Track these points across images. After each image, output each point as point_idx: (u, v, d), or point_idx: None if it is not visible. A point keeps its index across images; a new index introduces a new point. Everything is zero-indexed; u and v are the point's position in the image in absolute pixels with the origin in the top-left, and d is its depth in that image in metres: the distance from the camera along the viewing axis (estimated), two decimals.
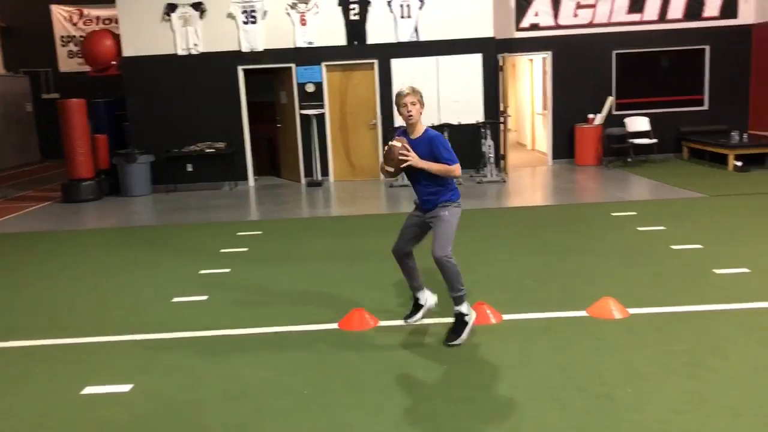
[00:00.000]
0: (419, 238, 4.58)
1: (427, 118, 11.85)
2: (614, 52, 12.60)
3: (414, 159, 4.24)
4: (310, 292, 5.57)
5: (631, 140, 12.27)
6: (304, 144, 12.15)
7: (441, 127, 11.51)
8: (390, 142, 4.37)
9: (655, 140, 12.25)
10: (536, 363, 3.96)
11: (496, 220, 8.20)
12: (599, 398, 3.48)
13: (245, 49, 11.86)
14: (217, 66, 11.89)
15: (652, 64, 12.72)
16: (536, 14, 12.51)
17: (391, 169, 4.33)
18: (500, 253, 6.54)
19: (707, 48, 12.56)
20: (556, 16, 12.51)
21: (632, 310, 4.70)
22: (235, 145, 12.04)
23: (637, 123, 12.52)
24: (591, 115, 12.48)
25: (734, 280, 5.33)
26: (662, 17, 12.48)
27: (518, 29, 12.55)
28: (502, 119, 12.00)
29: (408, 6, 11.80)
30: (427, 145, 4.32)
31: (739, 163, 10.87)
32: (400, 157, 4.24)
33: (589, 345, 4.19)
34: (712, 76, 12.64)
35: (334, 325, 4.75)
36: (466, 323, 4.33)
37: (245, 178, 12.26)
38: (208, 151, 11.72)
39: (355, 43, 11.91)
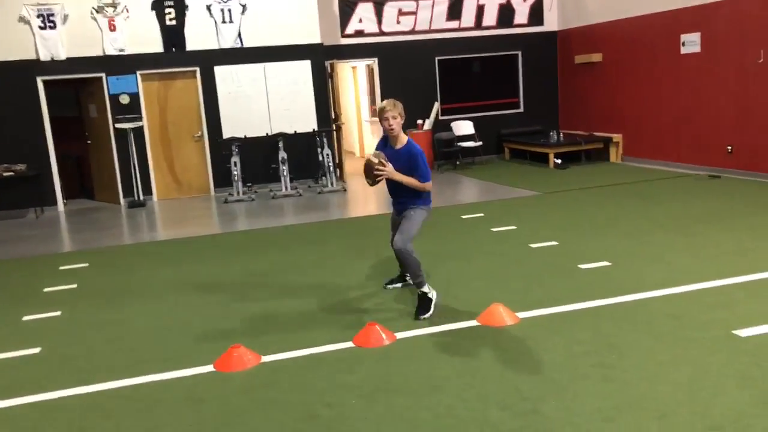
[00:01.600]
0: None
1: (259, 128, 11.30)
2: (437, 58, 12.90)
3: (389, 172, 4.67)
4: (171, 330, 4.85)
5: (459, 144, 12.62)
6: (121, 161, 11.00)
7: (275, 137, 11.00)
8: (367, 156, 4.79)
9: (480, 143, 12.71)
10: (445, 386, 3.66)
11: (352, 230, 7.89)
12: (527, 416, 3.26)
13: (44, 57, 10.46)
14: (11, 77, 10.37)
15: (472, 69, 13.21)
16: (360, 21, 12.43)
17: (369, 181, 4.78)
18: (368, 267, 6.22)
19: (519, 53, 13.29)
20: (379, 22, 12.52)
21: (521, 314, 4.61)
22: (38, 166, 10.56)
23: (463, 127, 12.92)
24: (420, 121, 12.64)
25: (600, 274, 5.47)
26: (478, 24, 12.99)
27: (344, 35, 12.38)
28: (338, 127, 11.75)
29: (230, 11, 11.13)
30: (406, 157, 4.72)
31: (558, 161, 11.57)
32: (376, 172, 4.64)
33: (492, 357, 3.99)
34: (525, 80, 13.39)
35: (210, 368, 4.12)
36: (431, 300, 4.80)
37: (53, 202, 10.83)
38: (5, 174, 10.16)
39: (174, 49, 11.01)
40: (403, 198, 4.86)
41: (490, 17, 13.02)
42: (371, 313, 4.89)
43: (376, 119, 14.34)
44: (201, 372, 4.07)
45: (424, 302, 4.78)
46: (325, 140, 11.15)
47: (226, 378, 3.96)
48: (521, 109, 13.48)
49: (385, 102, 4.72)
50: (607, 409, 3.27)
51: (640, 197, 8.54)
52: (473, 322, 4.55)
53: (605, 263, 5.72)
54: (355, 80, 15.32)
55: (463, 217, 8.07)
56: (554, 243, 6.52)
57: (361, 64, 14.41)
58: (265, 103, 11.45)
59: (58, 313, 5.39)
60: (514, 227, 7.31)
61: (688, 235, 6.48)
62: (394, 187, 4.85)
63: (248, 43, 11.28)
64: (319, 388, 3.73)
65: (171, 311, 5.29)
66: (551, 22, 13.34)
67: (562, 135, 12.23)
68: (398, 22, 12.62)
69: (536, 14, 13.26)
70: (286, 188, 10.72)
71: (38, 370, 4.28)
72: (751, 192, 8.34)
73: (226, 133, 11.29)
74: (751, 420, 3.08)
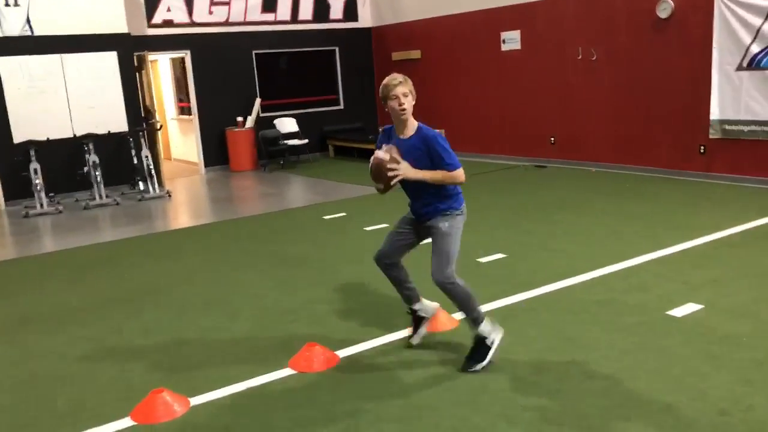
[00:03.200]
0: (411, 246, 3.86)
1: (58, 130, 9.79)
2: (254, 52, 12.20)
3: (405, 170, 3.51)
4: (61, 381, 3.81)
5: (284, 142, 12.06)
6: None
7: (82, 139, 9.59)
8: (375, 154, 3.57)
9: (306, 140, 12.28)
10: (436, 403, 3.26)
11: (204, 240, 7.03)
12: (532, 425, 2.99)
13: None
14: None
15: (292, 64, 12.72)
16: (168, 9, 11.31)
17: (381, 186, 3.59)
18: (252, 278, 5.53)
19: (337, 49, 13.07)
20: (190, 12, 11.50)
21: (457, 316, 4.33)
22: None
23: (287, 124, 12.38)
24: (240, 118, 11.87)
25: (503, 266, 5.40)
26: (294, 18, 12.52)
27: (150, 25, 11.18)
28: (157, 125, 10.57)
29: None
30: (421, 146, 3.58)
31: None
32: (390, 173, 3.49)
33: (433, 374, 3.63)
34: (344, 77, 13.21)
35: (128, 421, 3.27)
36: (489, 347, 3.61)
37: None
38: None
39: None
40: (428, 201, 3.64)
41: (306, 11, 12.62)
42: (297, 332, 4.29)
43: (185, 117, 13.38)
44: (119, 428, 3.21)
45: (480, 348, 3.61)
46: (142, 141, 9.96)
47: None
48: (341, 106, 13.27)
49: (391, 77, 3.62)
50: (615, 408, 3.11)
51: (484, 189, 8.75)
52: (403, 333, 4.17)
53: (500, 255, 5.67)
54: (156, 74, 13.99)
55: (325, 217, 7.62)
56: None
57: (164, 57, 13.18)
58: (65, 100, 9.92)
59: None
60: (386, 225, 7.04)
61: (554, 223, 6.69)
62: (414, 188, 3.64)
63: (39, 31, 9.67)
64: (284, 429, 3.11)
65: (29, 357, 4.20)
66: (365, 19, 13.30)
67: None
68: (210, 12, 11.71)
69: (351, 10, 13.13)
70: (101, 196, 9.37)
71: None
72: (581, 178, 8.95)
73: (18, 137, 9.59)
74: (748, 399, 3.10)
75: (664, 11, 8.20)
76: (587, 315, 4.25)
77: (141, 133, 10.05)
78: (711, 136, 7.99)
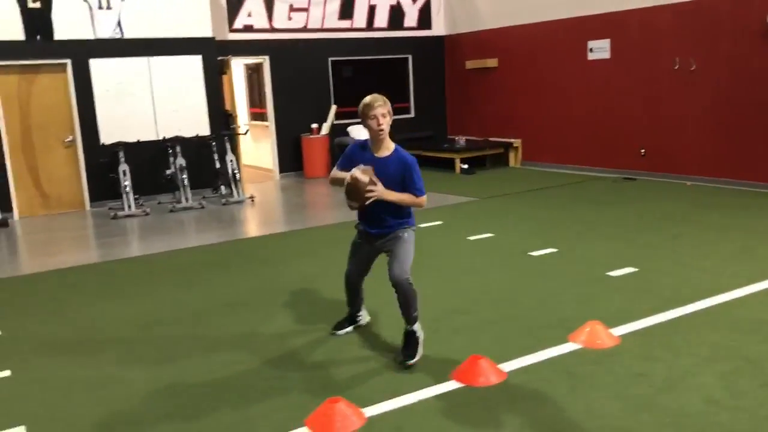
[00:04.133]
0: (365, 268, 4.20)
1: (142, 132, 9.83)
2: (330, 59, 12.16)
3: (380, 192, 3.70)
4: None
5: None
6: None
7: (169, 142, 9.61)
8: (353, 173, 3.68)
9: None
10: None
11: (308, 243, 6.91)
12: None
13: None
14: None
15: (366, 72, 12.64)
16: (249, 15, 11.32)
17: (356, 205, 3.74)
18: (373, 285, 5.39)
19: (410, 57, 12.97)
20: (270, 18, 11.50)
21: (616, 331, 4.13)
22: None
23: (360, 132, 12.28)
24: (315, 125, 11.81)
25: (634, 280, 5.18)
26: (370, 25, 12.46)
27: (231, 30, 11.20)
28: (243, 131, 10.56)
29: None
30: (397, 168, 3.80)
31: (465, 166, 11.38)
32: (367, 195, 3.65)
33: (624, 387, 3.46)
34: (416, 84, 13.10)
35: None
36: (418, 338, 3.95)
37: None
38: None
39: (38, 38, 9.17)
40: (387, 220, 3.87)
41: (381, 18, 12.55)
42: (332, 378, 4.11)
43: (258, 123, 13.36)
44: None
45: (413, 342, 3.90)
46: (227, 145, 9.93)
47: None
48: (412, 114, 13.16)
49: (372, 96, 3.79)
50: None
51: (576, 200, 8.53)
52: (575, 345, 3.98)
53: (631, 269, 5.45)
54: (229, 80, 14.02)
55: (422, 225, 7.48)
56: (553, 250, 6.16)
57: (237, 63, 13.21)
58: (150, 102, 9.95)
59: None
60: (490, 234, 6.87)
61: (675, 237, 6.44)
62: (378, 208, 3.78)
63: (129, 34, 9.73)
64: None
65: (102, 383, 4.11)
66: (439, 27, 13.18)
67: (464, 140, 12.07)
68: (290, 19, 11.70)
69: (425, 18, 13.03)
70: (187, 200, 9.36)
71: None
72: (678, 191, 8.66)
73: (104, 138, 9.64)
74: None
75: None
76: (760, 335, 4.02)
77: (226, 138, 10.02)
78: None
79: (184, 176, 9.35)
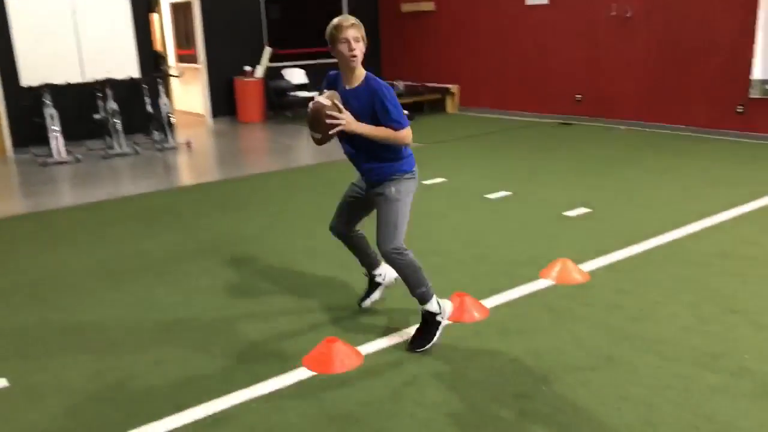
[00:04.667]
0: (364, 214, 3.63)
1: (67, 73, 9.26)
2: None
3: (348, 122, 3.18)
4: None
5: (294, 94, 11.71)
6: None
7: (98, 84, 9.10)
8: (315, 99, 3.24)
9: (316, 93, 11.91)
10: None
11: (264, 189, 6.78)
12: None
13: None
14: None
15: (298, 11, 12.28)
16: None
17: (318, 136, 3.24)
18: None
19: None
20: None
21: (585, 267, 4.31)
22: None
23: (296, 75, 12.02)
24: (248, 68, 11.44)
25: (590, 220, 5.39)
26: None
27: None
28: (176, 72, 10.10)
29: None
30: (367, 99, 3.23)
31: (405, 112, 11.32)
32: (329, 121, 3.15)
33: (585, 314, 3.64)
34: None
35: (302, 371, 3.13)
36: (438, 323, 3.37)
37: None
38: None
39: None
40: (371, 162, 3.34)
41: None
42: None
43: (187, 65, 12.77)
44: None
45: (428, 326, 3.37)
46: (161, 88, 9.49)
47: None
48: None
49: (342, 17, 3.22)
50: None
51: (519, 144, 8.71)
52: (548, 282, 4.13)
53: (585, 210, 5.65)
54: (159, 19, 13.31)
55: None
56: (508, 193, 6.31)
57: (164, 1, 12.55)
58: (75, 41, 9.35)
59: None
60: (443, 179, 6.93)
61: (623, 180, 6.69)
62: (356, 146, 3.33)
63: None
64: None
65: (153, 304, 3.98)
66: None
67: (403, 85, 12.01)
68: None
69: None
70: (120, 146, 8.94)
71: None
72: (614, 136, 8.97)
73: (25, 80, 9.02)
74: None
75: None
76: (715, 267, 4.28)
77: (159, 80, 9.56)
78: (751, 96, 8.10)
79: (117, 121, 8.91)
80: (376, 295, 3.82)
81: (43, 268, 4.75)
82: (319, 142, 3.28)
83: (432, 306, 3.35)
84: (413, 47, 12.52)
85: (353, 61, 3.20)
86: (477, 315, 3.68)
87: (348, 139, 3.32)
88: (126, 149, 8.92)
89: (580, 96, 10.04)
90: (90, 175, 7.86)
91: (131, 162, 8.57)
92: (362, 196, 3.52)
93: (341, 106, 3.19)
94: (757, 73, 7.98)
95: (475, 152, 8.34)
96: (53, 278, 4.52)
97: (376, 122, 3.22)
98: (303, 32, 12.38)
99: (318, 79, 11.80)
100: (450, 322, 3.56)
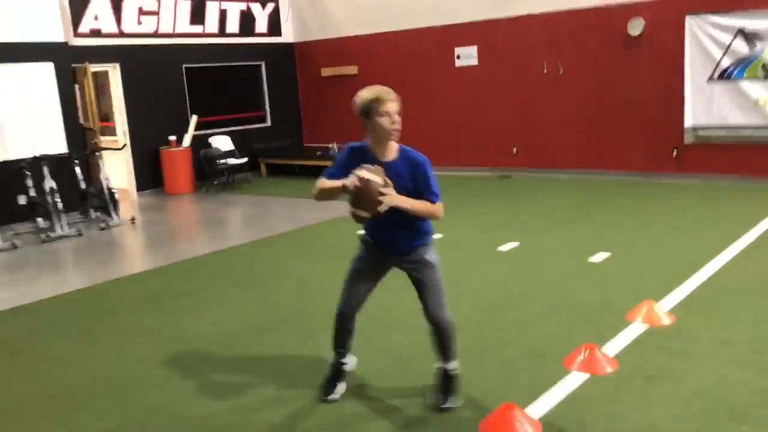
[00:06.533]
0: (373, 289, 3.41)
1: None
2: (184, 66, 11.33)
3: (393, 198, 3.05)
4: None
5: (224, 161, 11.28)
6: None
7: (33, 162, 8.28)
8: (360, 174, 3.01)
9: (245, 159, 11.60)
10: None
11: (252, 261, 6.40)
12: None
13: None
14: None
15: (220, 80, 11.99)
16: (96, 18, 10.15)
17: (367, 215, 3.03)
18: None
19: (263, 64, 12.56)
20: (119, 21, 10.42)
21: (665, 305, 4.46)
22: None
23: (222, 142, 11.62)
24: (173, 137, 10.91)
25: (618, 264, 5.62)
26: (222, 30, 11.85)
27: (77, 35, 9.94)
28: (121, 144, 9.42)
29: None
30: (408, 171, 3.18)
31: None
32: (381, 198, 2.99)
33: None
34: (270, 93, 12.71)
35: None
36: (458, 379, 3.41)
37: None
38: None
39: None
40: (404, 231, 3.23)
41: (233, 24, 12.00)
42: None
43: (109, 138, 11.85)
44: None
45: (453, 381, 3.38)
46: (101, 163, 8.80)
47: None
48: (269, 123, 12.74)
49: (379, 88, 3.19)
50: None
51: (487, 196, 8.96)
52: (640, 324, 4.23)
53: (606, 254, 5.87)
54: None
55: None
56: (517, 244, 6.42)
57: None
58: None
59: None
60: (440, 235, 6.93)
61: (605, 223, 7.05)
62: (391, 221, 3.13)
63: None
64: None
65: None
66: (289, 33, 12.94)
67: (338, 147, 11.96)
68: (140, 23, 10.70)
69: (275, 24, 12.71)
70: (62, 227, 8.11)
71: None
72: (560, 184, 9.46)
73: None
74: None
75: (635, 29, 9.03)
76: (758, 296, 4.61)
77: (98, 154, 8.86)
78: (686, 142, 8.92)
79: (57, 200, 8.10)
80: (343, 386, 3.53)
81: None
82: (364, 220, 3.08)
83: (455, 363, 3.39)
84: (338, 110, 12.56)
85: (395, 134, 3.17)
86: (609, 368, 3.67)
87: (386, 215, 3.07)
88: (68, 231, 8.10)
89: (516, 149, 10.54)
90: (33, 264, 7.05)
91: (76, 245, 7.79)
92: (377, 269, 3.36)
93: (388, 181, 3.03)
94: (688, 121, 8.82)
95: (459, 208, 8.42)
96: None
97: (411, 195, 3.13)
98: (223, 99, 12.08)
99: (238, 145, 11.61)
100: (586, 374, 3.56)
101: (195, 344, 4.43)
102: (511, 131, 10.52)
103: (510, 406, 3.14)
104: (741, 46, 8.29)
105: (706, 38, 8.53)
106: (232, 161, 11.33)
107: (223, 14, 11.81)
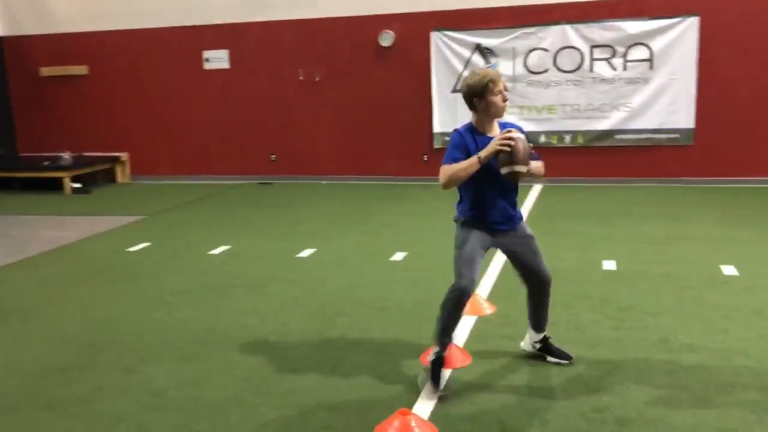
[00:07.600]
0: None
1: None
2: None
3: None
4: None
5: None
6: None
7: None
8: (509, 134, 3.25)
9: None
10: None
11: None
12: None
13: None
14: None
15: None
16: None
17: (525, 169, 3.26)
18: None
19: None
20: None
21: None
22: None
23: None
24: None
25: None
26: None
27: None
28: None
29: None
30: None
31: (77, 185, 10.06)
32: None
33: None
34: None
35: None
36: None
37: None
38: None
39: None
40: (511, 209, 3.49)
41: None
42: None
43: None
44: None
45: (553, 344, 3.76)
46: None
47: None
48: None
49: (487, 70, 3.42)
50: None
51: (262, 205, 8.67)
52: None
53: (404, 253, 6.08)
54: None
55: (129, 250, 6.56)
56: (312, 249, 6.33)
57: None
58: None
59: None
60: (228, 246, 6.53)
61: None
62: (505, 190, 3.43)
63: None
64: None
65: None
66: None
67: (70, 156, 10.52)
68: None
69: None
70: None
71: None
72: (326, 191, 9.59)
73: None
74: None
75: (385, 41, 9.54)
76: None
77: None
78: (435, 146, 9.66)
79: None
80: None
81: None
82: (524, 176, 3.27)
83: None
84: (63, 114, 11.17)
85: (503, 109, 3.42)
86: (468, 360, 3.80)
87: (501, 185, 3.38)
88: None
89: (274, 155, 10.41)
90: None
91: None
92: (486, 244, 3.50)
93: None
94: (437, 127, 9.58)
95: (220, 216, 7.99)
96: None
97: None
98: None
99: None
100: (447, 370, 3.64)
101: None
102: (269, 138, 10.38)
103: (405, 412, 3.07)
104: (479, 60, 9.27)
105: (449, 52, 9.38)
106: None
107: None
